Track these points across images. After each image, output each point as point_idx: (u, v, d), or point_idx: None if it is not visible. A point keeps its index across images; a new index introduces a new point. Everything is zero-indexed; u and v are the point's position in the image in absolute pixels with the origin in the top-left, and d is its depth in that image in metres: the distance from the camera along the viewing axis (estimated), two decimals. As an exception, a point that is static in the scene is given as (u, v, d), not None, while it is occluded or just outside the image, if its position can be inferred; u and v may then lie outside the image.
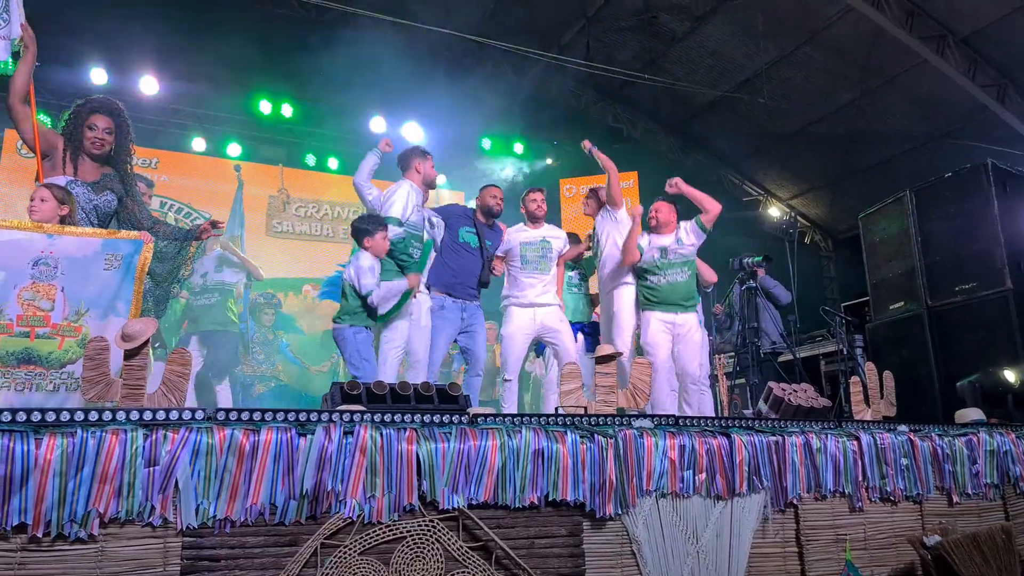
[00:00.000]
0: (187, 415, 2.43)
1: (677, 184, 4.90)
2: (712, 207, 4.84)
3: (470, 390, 4.55)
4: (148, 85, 7.75)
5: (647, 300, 4.84)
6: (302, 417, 2.57)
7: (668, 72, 9.47)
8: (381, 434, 2.56)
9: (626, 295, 4.93)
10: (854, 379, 3.92)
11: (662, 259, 4.84)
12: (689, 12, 8.78)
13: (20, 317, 2.77)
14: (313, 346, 8.00)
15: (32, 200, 3.07)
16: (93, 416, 2.29)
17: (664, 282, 4.80)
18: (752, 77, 9.38)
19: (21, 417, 2.20)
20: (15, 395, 2.77)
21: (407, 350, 4.45)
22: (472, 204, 5.10)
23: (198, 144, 8.58)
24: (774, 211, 11.45)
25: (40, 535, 2.12)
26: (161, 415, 2.39)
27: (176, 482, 2.29)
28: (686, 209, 5.01)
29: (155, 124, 8.18)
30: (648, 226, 4.99)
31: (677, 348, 4.72)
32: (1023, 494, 3.61)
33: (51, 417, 2.25)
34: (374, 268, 4.28)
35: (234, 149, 8.65)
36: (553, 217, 6.21)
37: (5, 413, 2.19)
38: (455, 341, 4.74)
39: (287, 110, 8.57)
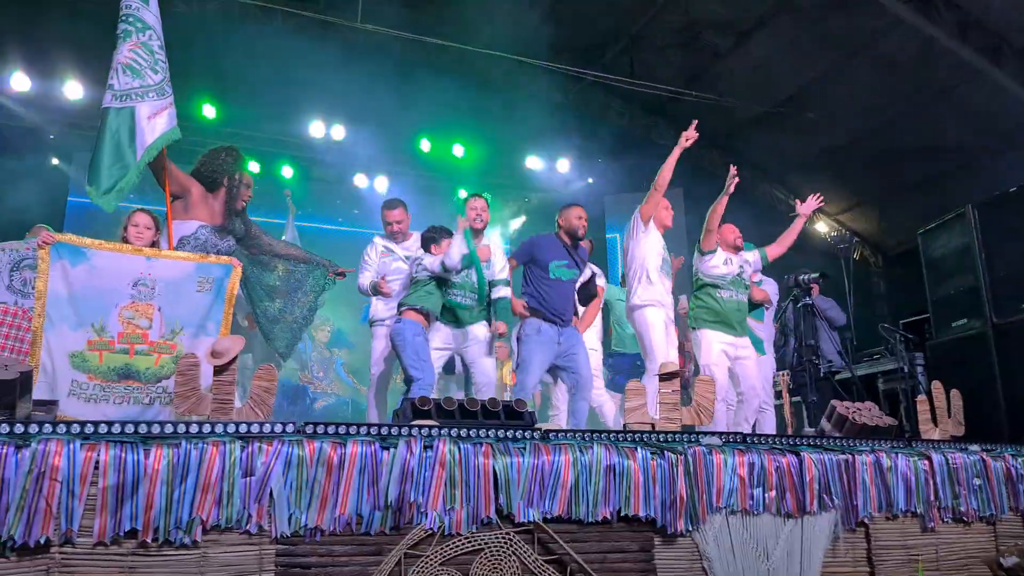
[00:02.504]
0: (278, 428, 2.55)
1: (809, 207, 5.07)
2: (785, 247, 4.87)
3: (576, 416, 4.44)
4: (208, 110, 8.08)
5: (705, 320, 4.80)
6: (384, 431, 2.67)
7: (712, 88, 9.48)
8: (459, 448, 2.65)
9: (651, 316, 4.70)
10: (920, 398, 3.88)
11: (739, 275, 4.85)
12: (733, 28, 8.80)
13: (121, 335, 2.95)
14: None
15: (136, 226, 3.26)
16: (194, 428, 2.42)
17: (733, 298, 4.79)
18: (797, 92, 9.34)
19: (130, 429, 2.34)
20: (113, 408, 2.94)
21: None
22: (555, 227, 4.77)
23: (252, 167, 8.87)
24: (821, 226, 11.31)
25: (149, 540, 2.25)
26: (256, 428, 2.51)
27: (271, 492, 2.41)
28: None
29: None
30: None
31: (740, 369, 4.73)
32: (1100, 516, 3.52)
33: (156, 429, 2.39)
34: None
35: (287, 171, 8.92)
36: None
37: (116, 425, 2.33)
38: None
39: (337, 132, 8.81)
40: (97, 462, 2.22)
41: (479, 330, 4.62)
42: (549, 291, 4.49)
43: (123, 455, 2.25)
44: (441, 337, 4.56)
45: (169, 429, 2.40)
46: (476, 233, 4.63)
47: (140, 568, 2.25)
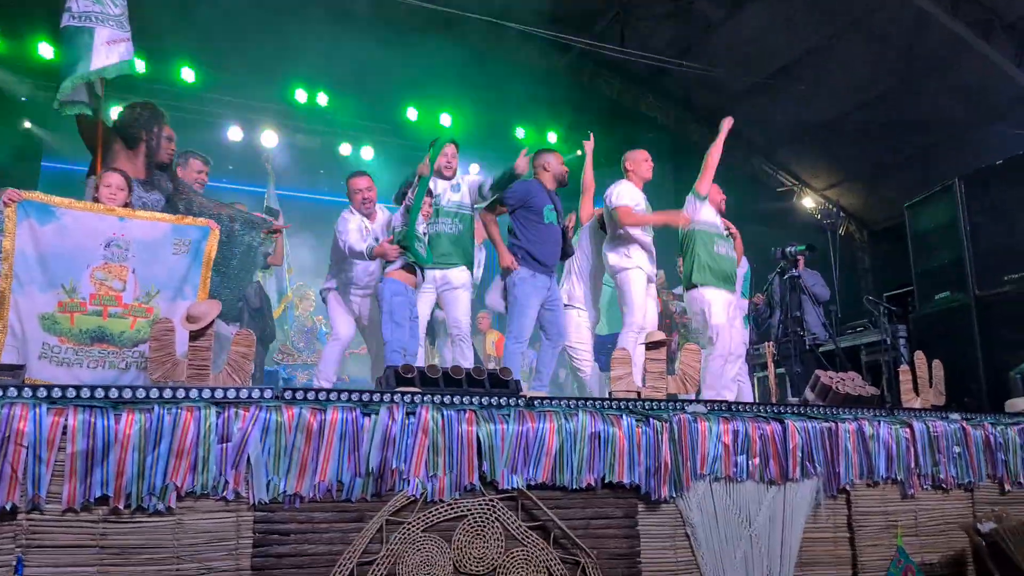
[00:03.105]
0: (256, 394, 2.49)
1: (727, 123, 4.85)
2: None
3: (548, 364, 4.50)
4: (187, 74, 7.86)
5: (710, 274, 4.59)
6: (365, 398, 2.62)
7: (703, 60, 9.37)
8: (442, 415, 2.61)
9: (635, 275, 4.64)
10: (903, 368, 3.89)
11: (724, 230, 4.79)
12: (726, -1, 8.68)
13: (93, 296, 2.86)
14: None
15: (108, 186, 3.15)
16: (168, 394, 2.36)
17: (727, 253, 4.71)
18: (789, 64, 9.24)
19: (100, 394, 2.28)
20: (88, 372, 2.86)
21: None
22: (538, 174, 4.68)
23: (234, 133, 8.69)
24: (808, 201, 11.29)
25: (121, 507, 2.20)
26: (232, 393, 2.45)
27: (248, 458, 2.36)
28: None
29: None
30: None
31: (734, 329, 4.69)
32: (1077, 484, 3.56)
33: (127, 394, 2.32)
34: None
35: (269, 138, 8.73)
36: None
37: (84, 389, 2.26)
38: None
39: (322, 99, 8.63)
40: (65, 427, 2.16)
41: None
42: (541, 236, 4.47)
43: (92, 420, 2.19)
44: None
45: (141, 394, 2.33)
46: (444, 179, 4.63)
47: (112, 534, 2.20)
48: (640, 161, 4.79)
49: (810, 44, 8.84)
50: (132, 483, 2.21)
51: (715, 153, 4.71)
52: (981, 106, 8.69)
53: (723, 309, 4.57)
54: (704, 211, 4.70)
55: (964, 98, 8.74)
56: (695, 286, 4.61)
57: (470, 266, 4.66)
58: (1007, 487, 3.41)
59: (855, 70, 9.05)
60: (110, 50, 3.46)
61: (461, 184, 4.69)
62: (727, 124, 4.81)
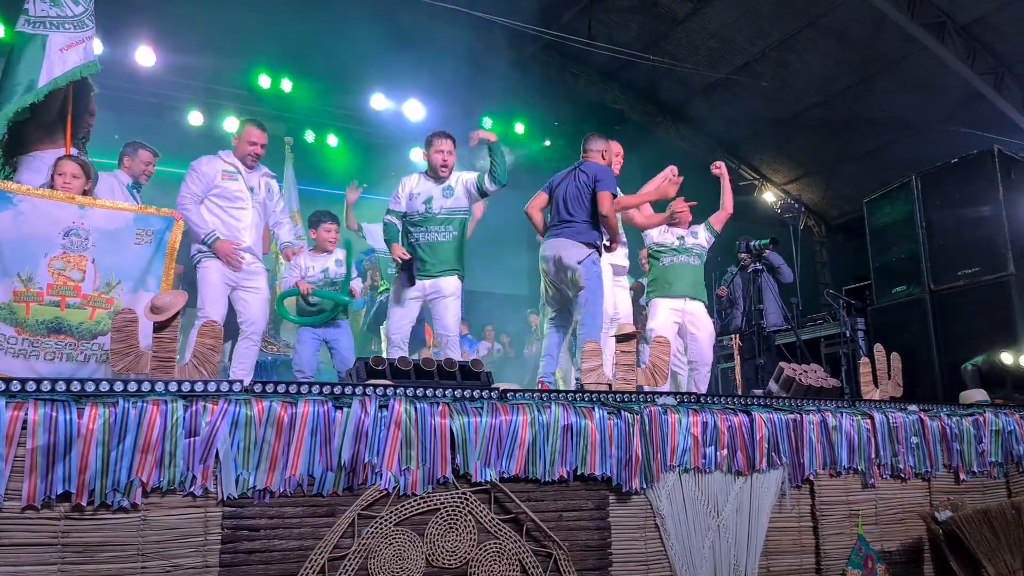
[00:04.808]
0: (225, 387, 2.43)
1: (721, 168, 4.94)
2: (729, 207, 4.90)
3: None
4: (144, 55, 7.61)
5: (653, 289, 4.87)
6: (337, 390, 2.59)
7: (668, 54, 9.45)
8: (415, 408, 2.59)
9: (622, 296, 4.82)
10: (864, 360, 3.99)
11: (676, 243, 4.88)
12: (692, -7, 8.75)
13: (51, 286, 2.75)
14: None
15: (62, 175, 3.03)
16: (133, 387, 2.29)
17: (674, 263, 4.82)
18: (752, 60, 9.38)
19: (61, 387, 2.20)
20: (45, 364, 2.75)
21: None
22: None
23: (195, 118, 8.45)
24: (769, 196, 11.52)
25: (84, 504, 2.13)
26: (200, 386, 2.39)
27: (216, 453, 2.31)
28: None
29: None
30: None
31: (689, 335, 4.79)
32: (1026, 472, 3.71)
33: (90, 387, 2.24)
34: None
35: (231, 124, 8.51)
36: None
37: (45, 383, 2.18)
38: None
39: (286, 85, 8.45)
40: (25, 421, 2.08)
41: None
42: None
43: (54, 414, 2.11)
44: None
45: (105, 387, 2.26)
46: (437, 181, 4.40)
47: (74, 532, 2.13)
48: (614, 154, 4.81)
49: (772, 41, 8.99)
50: (96, 479, 2.14)
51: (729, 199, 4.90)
52: (934, 105, 8.96)
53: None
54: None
55: (918, 97, 9.00)
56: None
57: (462, 271, 4.45)
58: (962, 476, 3.53)
59: (815, 68, 9.24)
60: (64, 57, 3.37)
61: (455, 187, 4.40)
62: (724, 170, 4.94)
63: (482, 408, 2.70)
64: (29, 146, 3.52)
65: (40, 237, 2.76)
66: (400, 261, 4.28)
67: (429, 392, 2.74)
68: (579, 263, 4.05)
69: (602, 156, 4.38)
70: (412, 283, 4.26)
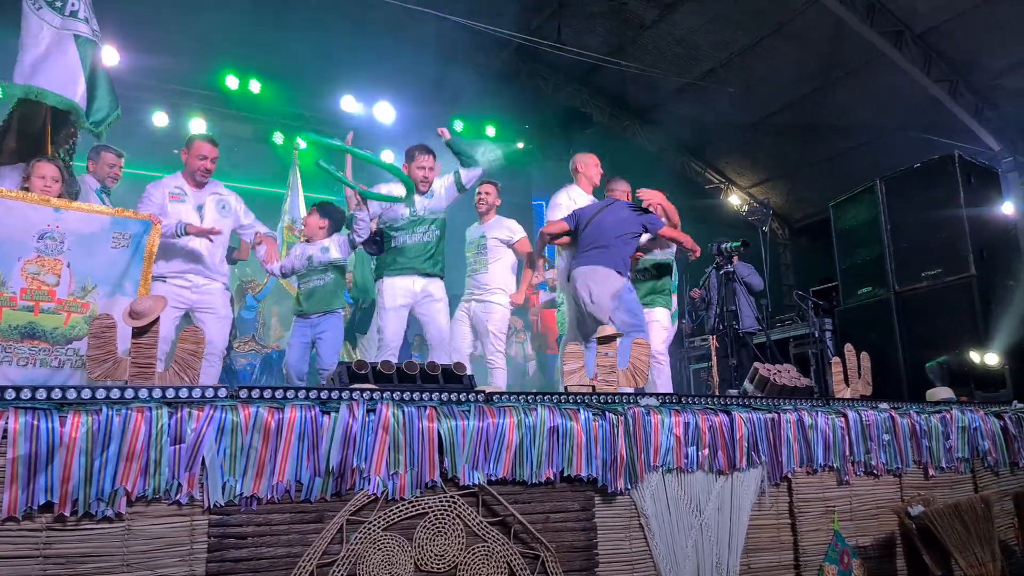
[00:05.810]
0: (210, 393, 2.39)
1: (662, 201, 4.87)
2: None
3: None
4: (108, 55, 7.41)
5: None
6: (324, 395, 2.56)
7: (636, 59, 9.57)
8: (403, 412, 2.57)
9: None
10: (835, 360, 4.09)
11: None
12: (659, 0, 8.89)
13: (24, 290, 2.67)
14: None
15: (42, 178, 2.94)
16: (116, 394, 2.24)
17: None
18: (718, 66, 9.56)
19: (42, 395, 2.13)
20: (17, 370, 2.67)
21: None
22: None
23: (159, 119, 8.28)
24: (734, 199, 11.74)
25: (67, 514, 2.07)
26: (184, 393, 2.35)
27: (202, 460, 2.26)
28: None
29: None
30: None
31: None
32: (990, 467, 3.85)
33: (72, 395, 2.19)
34: None
35: (197, 125, 8.36)
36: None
37: (26, 390, 2.11)
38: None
39: (255, 86, 8.33)
40: (4, 430, 2.01)
41: None
42: None
43: (35, 423, 2.05)
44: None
45: (88, 394, 2.20)
46: (419, 194, 4.61)
47: (56, 543, 2.07)
48: (591, 165, 4.89)
49: (737, 47, 9.17)
50: (79, 489, 2.08)
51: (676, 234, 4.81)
52: (892, 112, 9.25)
53: None
54: None
55: (877, 104, 9.28)
56: None
57: (443, 273, 4.65)
58: (931, 472, 3.65)
59: (778, 73, 9.46)
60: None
61: (434, 191, 4.65)
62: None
63: (469, 411, 2.70)
64: (10, 157, 3.41)
65: (13, 240, 2.67)
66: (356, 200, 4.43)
67: (416, 396, 2.73)
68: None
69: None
70: (380, 252, 4.57)
